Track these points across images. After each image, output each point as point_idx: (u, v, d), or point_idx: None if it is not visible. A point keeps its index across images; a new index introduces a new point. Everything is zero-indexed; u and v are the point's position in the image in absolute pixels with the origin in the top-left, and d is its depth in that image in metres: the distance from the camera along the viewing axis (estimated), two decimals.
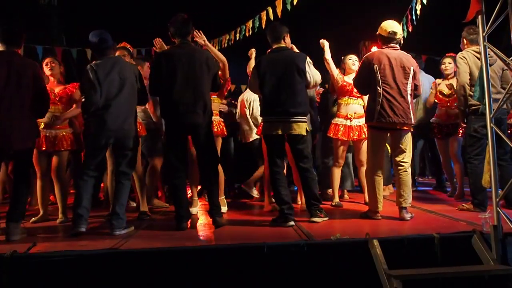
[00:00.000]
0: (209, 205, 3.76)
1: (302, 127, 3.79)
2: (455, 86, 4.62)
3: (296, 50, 4.13)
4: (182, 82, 3.61)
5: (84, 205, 3.43)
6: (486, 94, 3.00)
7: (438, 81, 5.16)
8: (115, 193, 3.61)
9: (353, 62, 4.72)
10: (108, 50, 3.64)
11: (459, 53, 4.14)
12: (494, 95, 3.50)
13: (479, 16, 3.00)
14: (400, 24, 7.13)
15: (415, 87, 3.82)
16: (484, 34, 2.99)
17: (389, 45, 3.81)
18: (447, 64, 5.01)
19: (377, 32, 3.88)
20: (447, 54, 5.08)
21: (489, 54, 3.13)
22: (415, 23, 6.45)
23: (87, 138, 3.77)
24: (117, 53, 4.18)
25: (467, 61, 4.00)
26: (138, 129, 3.97)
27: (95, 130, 3.54)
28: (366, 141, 4.30)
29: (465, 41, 4.20)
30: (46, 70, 4.21)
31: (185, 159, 3.80)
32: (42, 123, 4.08)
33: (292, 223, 3.62)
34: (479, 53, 3.95)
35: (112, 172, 4.22)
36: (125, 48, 4.53)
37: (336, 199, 4.70)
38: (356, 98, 4.60)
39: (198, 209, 4.53)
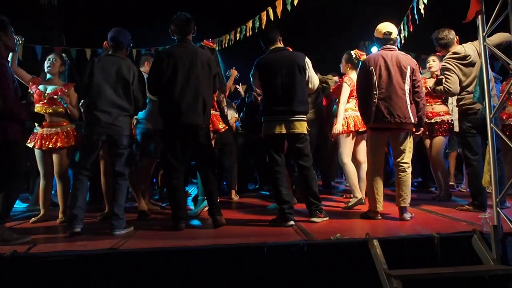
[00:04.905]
0: (208, 204, 3.76)
1: (303, 125, 3.81)
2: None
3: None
4: (182, 81, 3.60)
5: (79, 205, 3.43)
6: (486, 94, 3.00)
7: (426, 78, 5.15)
8: (113, 194, 3.59)
9: None
10: (116, 50, 3.65)
11: (442, 64, 4.12)
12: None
13: (479, 16, 3.00)
14: (400, 24, 7.19)
15: (415, 86, 3.80)
16: (484, 34, 2.99)
17: (385, 47, 3.83)
18: (432, 62, 5.07)
19: (374, 35, 3.91)
20: (432, 54, 5.08)
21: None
22: (417, 22, 6.45)
23: (82, 137, 3.75)
24: None
25: (455, 71, 4.00)
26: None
27: (88, 128, 3.57)
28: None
29: (439, 49, 4.25)
30: (45, 66, 4.19)
31: (183, 159, 3.79)
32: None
33: (292, 223, 3.63)
34: (457, 58, 3.98)
35: (104, 173, 4.22)
36: None
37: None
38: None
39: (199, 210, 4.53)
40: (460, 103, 4.08)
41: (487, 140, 3.08)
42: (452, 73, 3.99)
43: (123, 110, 3.55)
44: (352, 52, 4.75)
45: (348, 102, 4.60)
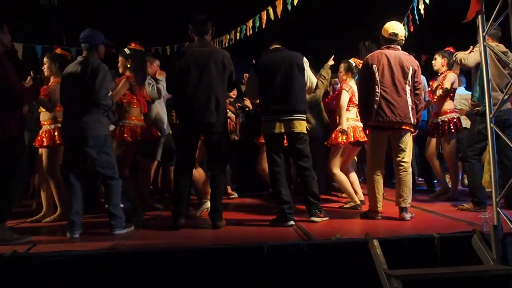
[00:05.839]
0: (210, 207, 3.74)
1: (303, 125, 3.82)
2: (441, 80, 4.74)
3: None
4: (195, 81, 3.61)
5: (75, 210, 3.42)
6: (486, 94, 3.00)
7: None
8: (106, 195, 3.60)
9: None
10: (87, 50, 3.58)
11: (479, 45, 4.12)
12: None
13: (479, 16, 3.00)
14: (401, 24, 7.17)
15: (416, 88, 3.80)
16: (484, 34, 3.00)
17: (389, 47, 3.82)
18: (433, 61, 5.02)
19: (381, 33, 3.89)
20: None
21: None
22: (418, 22, 6.44)
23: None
24: None
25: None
26: (117, 133, 4.03)
27: (60, 133, 3.69)
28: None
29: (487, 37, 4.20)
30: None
31: (193, 160, 3.80)
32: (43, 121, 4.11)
33: (292, 223, 3.63)
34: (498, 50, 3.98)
35: None
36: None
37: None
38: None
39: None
40: (476, 103, 4.07)
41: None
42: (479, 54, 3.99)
43: (86, 110, 3.47)
44: (351, 61, 4.72)
45: (348, 110, 4.53)
